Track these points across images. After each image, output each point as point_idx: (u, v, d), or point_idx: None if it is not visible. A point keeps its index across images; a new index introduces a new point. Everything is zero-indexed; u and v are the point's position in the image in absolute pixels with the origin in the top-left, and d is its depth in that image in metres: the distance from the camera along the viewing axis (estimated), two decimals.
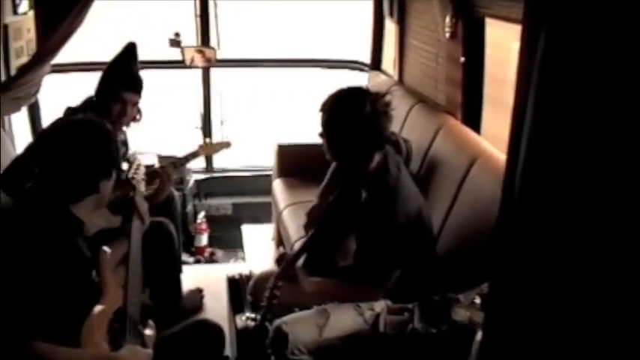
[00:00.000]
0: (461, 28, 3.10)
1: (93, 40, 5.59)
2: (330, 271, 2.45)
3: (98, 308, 1.84)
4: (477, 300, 1.89)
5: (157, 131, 5.69)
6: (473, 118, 3.18)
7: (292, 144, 4.25)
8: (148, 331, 2.03)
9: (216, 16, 4.44)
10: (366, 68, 4.77)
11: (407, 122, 3.54)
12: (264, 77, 8.71)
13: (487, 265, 1.98)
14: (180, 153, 3.40)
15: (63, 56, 3.48)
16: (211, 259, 4.40)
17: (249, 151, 4.98)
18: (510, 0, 2.58)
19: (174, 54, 4.37)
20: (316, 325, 2.24)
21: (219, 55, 4.42)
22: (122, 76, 3.08)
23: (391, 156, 2.41)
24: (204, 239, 4.43)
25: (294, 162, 4.14)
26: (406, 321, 2.13)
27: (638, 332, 0.77)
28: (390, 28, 4.37)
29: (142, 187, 2.44)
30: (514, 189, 0.78)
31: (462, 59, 3.12)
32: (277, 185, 4.11)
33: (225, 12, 4.55)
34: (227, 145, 3.54)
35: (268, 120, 8.54)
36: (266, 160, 4.58)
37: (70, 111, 3.06)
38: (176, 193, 3.64)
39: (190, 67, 4.39)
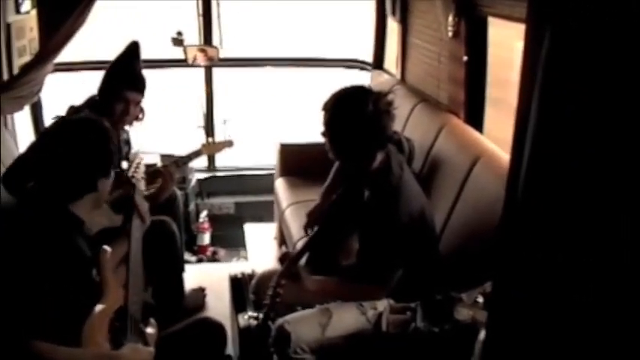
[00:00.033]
0: (463, 27, 3.10)
1: (95, 40, 5.60)
2: (333, 269, 2.45)
3: (99, 307, 1.84)
4: (480, 299, 1.88)
5: (160, 130, 5.69)
6: (475, 118, 3.18)
7: (295, 143, 4.26)
8: (150, 330, 2.03)
9: (218, 15, 4.44)
10: (369, 67, 4.77)
11: (409, 121, 3.54)
12: (267, 76, 8.71)
13: (490, 264, 1.98)
14: (182, 152, 3.39)
15: (65, 55, 3.48)
16: (214, 258, 4.41)
17: (251, 150, 4.98)
18: None
19: (177, 53, 4.37)
20: (319, 324, 2.24)
21: (222, 54, 4.42)
22: (125, 75, 3.08)
23: (394, 155, 2.41)
24: (206, 238, 4.43)
25: (297, 161, 4.14)
26: (409, 320, 2.13)
27: None
28: (393, 27, 4.36)
29: (141, 185, 2.44)
30: (518, 188, 0.78)
31: (465, 58, 3.11)
32: (280, 184, 4.12)
33: (228, 11, 4.55)
34: (229, 144, 3.54)
35: (271, 119, 8.54)
36: (268, 159, 4.58)
37: (73, 110, 3.06)
38: (178, 192, 3.64)
39: (193, 66, 4.38)
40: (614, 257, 0.74)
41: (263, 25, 12.45)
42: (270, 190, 4.29)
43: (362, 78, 4.63)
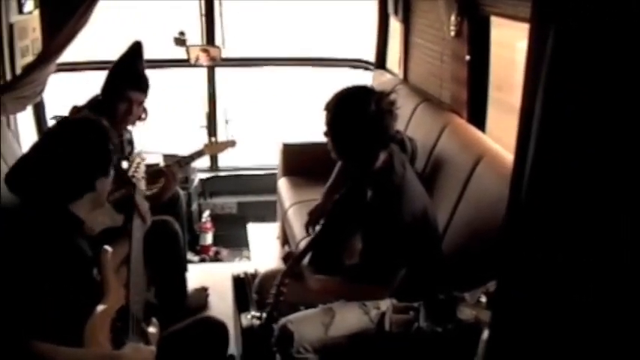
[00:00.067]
0: (466, 27, 3.10)
1: (97, 40, 5.60)
2: (336, 269, 2.45)
3: (100, 307, 1.84)
4: (483, 299, 1.88)
5: (163, 130, 5.70)
6: (478, 117, 3.18)
7: (297, 143, 4.26)
8: (152, 329, 2.04)
9: (221, 15, 4.45)
10: (371, 67, 4.77)
11: (412, 121, 3.54)
12: (269, 76, 8.71)
13: (493, 263, 1.98)
14: (185, 152, 3.40)
15: (68, 55, 3.48)
16: (216, 258, 4.41)
17: (254, 149, 4.98)
18: None
19: (178, 53, 4.37)
20: (322, 323, 2.24)
21: (224, 54, 4.43)
22: (128, 75, 3.09)
23: (396, 154, 2.41)
24: (209, 238, 4.44)
25: (299, 161, 4.14)
26: (412, 320, 2.13)
27: None
28: (395, 26, 4.36)
29: (142, 185, 2.45)
30: (522, 189, 0.78)
31: (467, 58, 3.11)
32: (282, 184, 4.12)
33: (230, 11, 4.55)
34: (232, 143, 3.54)
35: (273, 119, 8.55)
36: (271, 158, 4.58)
37: (76, 110, 3.07)
38: (181, 192, 3.64)
39: (195, 65, 4.39)
40: (619, 258, 0.74)
41: (265, 24, 12.45)
42: (273, 189, 4.29)
43: (364, 77, 4.63)
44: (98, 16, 3.32)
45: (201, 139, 3.79)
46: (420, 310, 2.10)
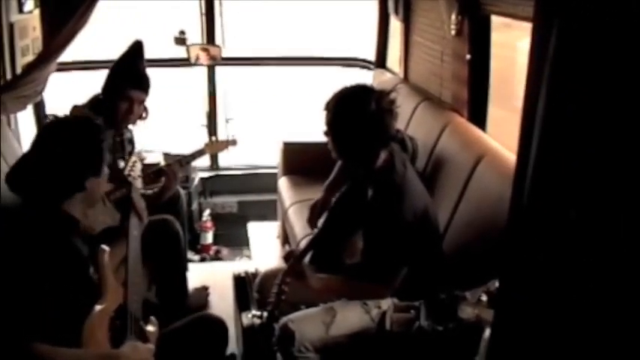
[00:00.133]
0: (467, 26, 3.10)
1: (97, 40, 5.60)
2: (337, 268, 2.45)
3: (98, 307, 1.84)
4: (484, 298, 1.88)
5: (163, 129, 5.69)
6: (479, 116, 3.18)
7: (298, 142, 4.26)
8: (150, 328, 2.03)
9: (221, 14, 4.45)
10: (371, 66, 4.77)
11: (412, 120, 3.54)
12: (270, 75, 8.71)
13: (494, 262, 1.98)
14: (185, 151, 3.40)
15: (68, 55, 3.48)
16: (217, 257, 4.41)
17: (254, 148, 4.98)
18: None
19: (178, 52, 4.37)
20: (323, 322, 2.24)
21: (225, 53, 4.43)
22: (129, 74, 3.09)
23: (397, 154, 2.41)
24: (209, 237, 4.44)
25: (300, 160, 4.14)
26: (413, 319, 2.13)
27: None
28: (396, 25, 4.36)
29: (138, 184, 2.45)
30: (524, 189, 0.77)
31: (468, 57, 3.11)
32: (283, 183, 4.12)
33: (230, 10, 4.55)
34: (233, 143, 3.54)
35: (273, 118, 8.54)
36: (271, 158, 4.58)
37: (77, 109, 3.06)
38: (182, 191, 3.64)
39: (195, 65, 4.39)
40: (622, 259, 0.74)
41: (266, 24, 12.45)
42: (274, 188, 4.29)
43: (364, 77, 4.63)
44: (98, 16, 3.32)
45: (201, 138, 3.79)
46: (421, 309, 2.10)
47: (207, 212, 4.51)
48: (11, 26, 3.39)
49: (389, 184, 2.31)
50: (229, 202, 4.80)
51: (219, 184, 4.84)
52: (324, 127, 2.36)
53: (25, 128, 3.86)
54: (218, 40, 4.49)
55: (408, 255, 2.29)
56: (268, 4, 12.71)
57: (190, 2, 4.50)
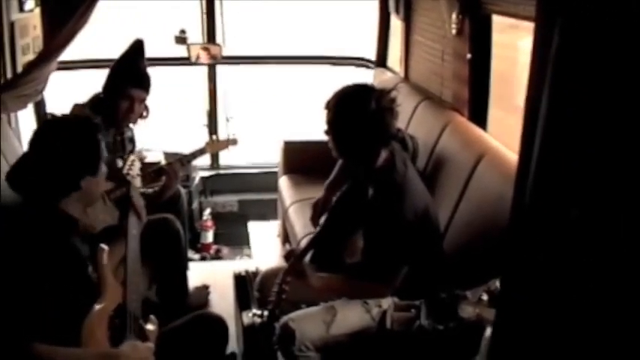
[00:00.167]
0: (467, 25, 3.10)
1: (97, 40, 5.60)
2: (338, 267, 2.45)
3: (97, 306, 1.84)
4: (485, 297, 1.88)
5: (164, 128, 5.69)
6: (479, 115, 3.18)
7: (298, 141, 4.26)
8: (150, 326, 2.04)
9: (221, 13, 4.45)
10: (372, 65, 4.77)
11: (413, 119, 3.54)
12: (270, 74, 8.71)
13: (495, 261, 1.98)
14: (186, 150, 3.40)
15: (69, 53, 3.48)
16: (217, 256, 4.41)
17: (255, 148, 4.98)
18: None
19: (179, 51, 4.38)
20: (323, 321, 2.24)
21: (225, 52, 4.43)
22: (130, 73, 3.09)
23: (398, 153, 2.41)
24: (210, 236, 4.43)
25: (300, 159, 4.14)
26: (413, 318, 2.13)
27: None
28: (396, 25, 4.36)
29: (137, 182, 2.45)
30: (526, 189, 0.77)
31: (469, 56, 3.11)
32: (283, 182, 4.12)
33: (231, 9, 4.55)
34: (234, 142, 3.54)
35: (274, 117, 8.54)
36: (272, 157, 4.58)
37: (78, 107, 3.06)
38: (182, 190, 3.64)
39: (196, 64, 4.39)
40: (625, 257, 0.74)
41: (266, 23, 12.45)
42: (274, 188, 4.29)
43: (365, 76, 4.63)
44: (98, 15, 3.31)
45: (202, 137, 3.79)
46: (422, 308, 2.10)
47: (207, 211, 4.51)
48: (12, 25, 3.39)
49: (389, 183, 2.31)
50: (230, 201, 4.80)
51: (219, 183, 4.83)
52: (325, 126, 2.35)
53: (26, 127, 3.86)
54: (219, 39, 4.49)
55: (408, 254, 2.29)
56: (269, 3, 12.70)
57: (191, 1, 4.50)
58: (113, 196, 2.69)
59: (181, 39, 4.29)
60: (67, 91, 4.11)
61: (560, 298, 0.80)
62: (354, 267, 2.39)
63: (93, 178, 1.97)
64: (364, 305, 2.28)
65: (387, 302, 2.27)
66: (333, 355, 2.25)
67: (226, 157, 4.80)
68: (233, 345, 2.61)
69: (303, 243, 2.95)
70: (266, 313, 2.41)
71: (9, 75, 3.39)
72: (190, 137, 4.36)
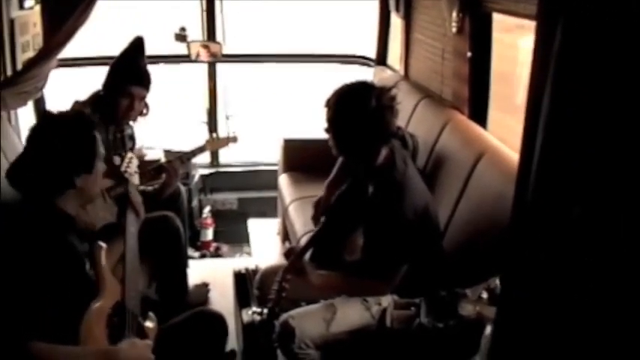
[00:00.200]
0: (468, 23, 3.09)
1: (97, 39, 5.59)
2: (338, 265, 2.45)
3: (96, 304, 1.84)
4: (484, 295, 1.88)
5: (164, 126, 5.69)
6: (479, 114, 3.18)
7: (298, 139, 4.26)
8: (149, 324, 2.04)
9: (222, 11, 4.45)
10: (372, 63, 4.76)
11: (413, 117, 3.54)
12: (270, 72, 8.70)
13: (495, 260, 1.98)
14: (186, 147, 3.40)
15: (69, 51, 3.48)
16: (217, 254, 4.41)
17: (255, 145, 4.98)
18: None
19: (179, 49, 4.37)
20: (323, 319, 2.24)
21: (225, 50, 4.42)
22: (130, 70, 3.09)
23: (398, 150, 2.41)
24: (209, 234, 4.43)
25: (300, 157, 4.14)
26: (413, 316, 2.13)
27: None
28: (396, 23, 4.36)
29: (135, 180, 2.45)
30: (528, 186, 0.77)
31: (469, 54, 3.11)
32: (283, 180, 4.12)
33: (231, 7, 4.55)
34: (234, 139, 3.54)
35: (274, 115, 8.54)
36: (272, 155, 4.58)
37: (78, 105, 3.06)
38: (182, 188, 3.64)
39: (196, 61, 4.39)
40: (626, 256, 0.74)
41: (266, 21, 12.43)
42: (274, 185, 4.29)
43: (365, 74, 4.62)
44: (98, 14, 3.31)
45: (202, 135, 3.79)
46: (422, 306, 2.11)
47: (207, 209, 4.51)
48: (12, 22, 3.39)
49: (389, 181, 2.31)
50: (229, 198, 4.80)
51: (219, 180, 4.83)
52: (325, 124, 2.35)
53: (26, 124, 3.86)
54: (219, 37, 4.49)
55: (408, 252, 2.29)
56: (268, 2, 12.69)
57: (191, 2, 4.51)
58: (113, 193, 2.69)
59: (181, 36, 4.29)
60: (67, 88, 4.11)
61: (562, 296, 0.80)
62: (354, 265, 2.39)
63: (88, 176, 1.96)
64: (364, 303, 2.28)
65: (386, 300, 2.28)
66: (333, 353, 2.26)
67: (226, 155, 4.80)
68: (233, 343, 2.61)
69: (303, 241, 2.95)
70: (266, 310, 2.41)
71: (9, 72, 3.39)
72: (190, 135, 4.36)
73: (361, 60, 4.89)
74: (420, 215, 2.31)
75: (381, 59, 4.68)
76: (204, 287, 3.60)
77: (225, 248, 4.48)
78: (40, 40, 3.54)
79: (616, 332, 0.79)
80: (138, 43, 3.14)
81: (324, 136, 2.40)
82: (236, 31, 4.93)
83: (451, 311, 1.94)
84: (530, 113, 0.75)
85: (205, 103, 4.72)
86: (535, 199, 0.77)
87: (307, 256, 2.54)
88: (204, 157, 4.68)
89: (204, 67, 4.67)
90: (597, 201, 0.74)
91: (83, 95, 3.16)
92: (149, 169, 3.21)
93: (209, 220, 4.43)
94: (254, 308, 2.52)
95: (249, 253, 4.38)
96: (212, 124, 4.67)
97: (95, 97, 3.12)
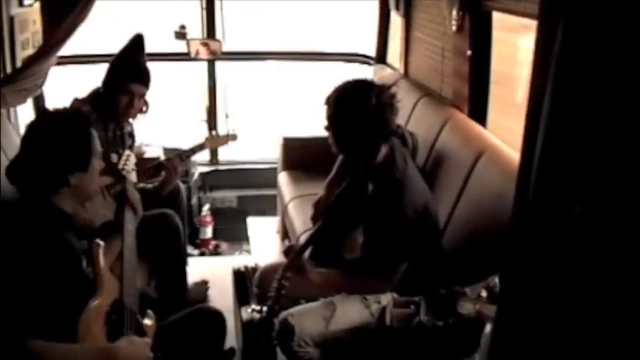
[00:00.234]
0: (468, 22, 3.09)
1: (95, 37, 5.59)
2: (337, 263, 2.46)
3: (94, 301, 1.84)
4: (484, 293, 1.89)
5: (163, 123, 5.69)
6: (479, 112, 3.17)
7: (298, 137, 4.26)
8: (147, 321, 2.04)
9: (221, 9, 4.44)
10: (372, 62, 4.76)
11: (413, 116, 3.54)
12: (270, 70, 8.69)
13: (494, 258, 1.99)
14: (185, 145, 3.40)
15: (69, 48, 3.48)
16: (216, 252, 4.42)
17: (254, 143, 4.98)
18: None
19: (179, 47, 4.37)
20: (323, 317, 2.24)
21: (225, 48, 4.42)
22: (130, 67, 3.08)
23: (398, 148, 2.41)
24: (209, 232, 4.44)
25: (300, 155, 4.14)
26: (412, 314, 2.13)
27: None
28: (396, 21, 4.35)
29: (132, 177, 2.45)
30: (529, 185, 0.77)
31: (469, 53, 3.11)
32: (282, 178, 4.12)
33: (231, 5, 4.55)
34: (233, 137, 3.54)
35: (274, 113, 8.54)
36: (271, 153, 4.58)
37: (78, 102, 3.06)
38: (182, 186, 3.64)
39: (195, 59, 4.39)
40: (626, 255, 0.74)
41: (266, 19, 12.42)
42: (273, 183, 4.29)
43: (365, 72, 4.62)
44: (94, 13, 3.30)
45: (201, 133, 3.79)
46: (421, 304, 2.11)
47: (206, 207, 4.51)
48: (11, 19, 3.39)
49: (389, 180, 2.31)
50: (229, 196, 4.80)
51: (218, 178, 4.83)
52: (325, 122, 2.35)
53: (25, 122, 3.86)
54: (218, 35, 4.48)
55: (408, 250, 2.29)
56: (268, 0, 12.68)
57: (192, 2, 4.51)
58: (113, 191, 2.69)
59: (181, 34, 4.29)
60: (67, 85, 4.10)
61: (562, 295, 0.80)
62: (354, 263, 2.39)
63: (84, 174, 1.94)
64: (363, 301, 2.28)
65: (386, 298, 2.28)
66: (332, 351, 2.26)
67: (225, 153, 4.80)
68: (232, 340, 2.61)
69: (303, 239, 2.95)
70: (265, 308, 2.42)
71: (8, 69, 3.39)
72: (190, 133, 4.36)
73: (361, 58, 4.89)
74: (419, 213, 2.31)
75: (381, 57, 4.68)
76: (203, 285, 3.60)
77: (224, 246, 4.49)
78: (39, 38, 3.54)
79: (616, 332, 0.80)
80: (137, 41, 3.13)
81: (324, 134, 2.40)
82: (235, 30, 4.93)
83: (450, 309, 1.94)
84: (531, 113, 0.75)
85: (205, 101, 4.72)
86: (535, 198, 0.77)
87: (307, 254, 2.54)
88: (204, 155, 4.68)
89: (204, 65, 4.66)
90: (597, 200, 0.74)
91: (83, 93, 3.15)
92: (149, 167, 3.21)
93: (208, 218, 4.43)
94: (253, 306, 2.52)
95: (248, 251, 4.38)
96: (212, 121, 4.67)
97: (95, 95, 3.12)
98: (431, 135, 3.14)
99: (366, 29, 5.02)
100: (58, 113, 2.07)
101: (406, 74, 4.16)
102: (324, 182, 2.98)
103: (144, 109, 3.21)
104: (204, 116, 4.68)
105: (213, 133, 3.66)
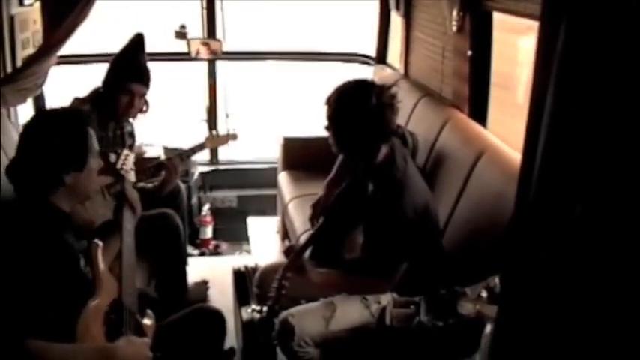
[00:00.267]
0: (468, 22, 3.09)
1: (95, 37, 5.59)
2: (337, 263, 2.46)
3: (93, 301, 1.83)
4: (484, 293, 1.88)
5: (163, 123, 5.69)
6: (479, 112, 3.18)
7: (298, 137, 4.26)
8: (147, 321, 2.03)
9: (222, 9, 4.44)
10: (372, 62, 4.76)
11: (413, 116, 3.54)
12: (270, 70, 8.70)
13: (494, 258, 1.98)
14: (186, 145, 3.40)
15: (69, 48, 3.48)
16: (216, 252, 4.41)
17: (254, 143, 4.98)
18: None
19: (179, 47, 4.37)
20: (323, 317, 2.24)
21: (225, 48, 4.42)
22: (130, 67, 3.08)
23: (398, 148, 2.41)
24: (209, 232, 4.44)
25: (300, 155, 4.14)
26: (412, 314, 2.13)
27: None
28: (397, 21, 4.35)
29: (131, 177, 2.45)
30: (530, 185, 0.77)
31: (469, 53, 3.11)
32: (282, 178, 4.12)
33: (231, 5, 4.55)
34: (233, 137, 3.54)
35: (274, 113, 8.54)
36: (271, 152, 4.58)
37: (78, 102, 3.06)
38: (182, 186, 3.64)
39: (196, 59, 4.39)
40: (627, 255, 0.74)
41: (266, 19, 12.42)
42: (273, 183, 4.29)
43: (365, 72, 4.62)
44: (94, 13, 3.30)
45: (201, 133, 3.79)
46: (421, 304, 2.11)
47: (206, 207, 4.51)
48: (12, 19, 3.39)
49: (390, 180, 2.31)
50: (229, 196, 4.80)
51: (218, 178, 4.83)
52: (325, 122, 2.35)
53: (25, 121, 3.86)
54: (219, 35, 4.49)
55: (408, 250, 2.29)
56: (269, 0, 12.69)
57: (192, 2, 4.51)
58: (113, 190, 2.69)
59: (181, 34, 4.29)
60: (67, 85, 4.10)
61: (562, 295, 0.80)
62: (354, 263, 2.39)
63: (79, 174, 1.93)
64: (363, 301, 2.28)
65: (386, 298, 2.28)
66: (333, 351, 2.26)
67: (226, 153, 4.80)
68: (232, 340, 2.61)
69: (303, 239, 2.95)
70: (265, 308, 2.42)
71: (9, 69, 3.39)
72: (190, 133, 4.36)
73: (361, 58, 4.89)
74: (419, 213, 2.31)
75: (381, 57, 4.68)
76: (203, 285, 3.60)
77: (224, 246, 4.49)
78: (40, 37, 3.54)
79: (616, 332, 0.80)
80: (138, 40, 3.14)
81: (324, 134, 2.40)
82: (235, 30, 4.93)
83: (451, 309, 1.94)
84: (533, 112, 0.75)
85: (205, 101, 4.72)
86: (537, 198, 0.77)
87: (307, 253, 2.54)
88: (204, 155, 4.68)
89: (204, 65, 4.66)
90: (599, 200, 0.74)
91: (83, 92, 3.15)
92: (149, 167, 3.21)
93: (208, 218, 4.43)
94: (253, 306, 2.52)
95: (248, 251, 4.38)
96: (212, 121, 4.67)
97: (95, 94, 3.12)
98: (431, 135, 3.14)
99: (366, 29, 5.02)
100: (54, 113, 2.07)
101: (406, 74, 4.16)
102: (324, 182, 2.99)
103: (144, 108, 3.21)
104: (204, 116, 4.68)
105: (214, 132, 3.66)
